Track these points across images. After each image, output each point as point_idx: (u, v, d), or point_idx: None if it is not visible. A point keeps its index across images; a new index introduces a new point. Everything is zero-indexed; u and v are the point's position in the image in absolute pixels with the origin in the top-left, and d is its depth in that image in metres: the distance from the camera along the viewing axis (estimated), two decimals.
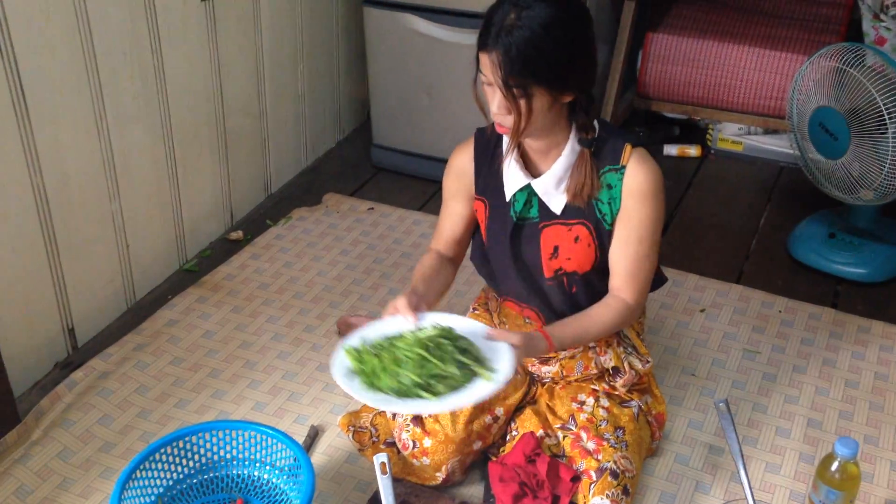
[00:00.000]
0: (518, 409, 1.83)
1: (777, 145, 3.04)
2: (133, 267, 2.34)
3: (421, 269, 1.77)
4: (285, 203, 2.84)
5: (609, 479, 1.64)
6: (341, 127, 3.24)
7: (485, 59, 1.51)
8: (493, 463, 1.70)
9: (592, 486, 1.63)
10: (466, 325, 1.58)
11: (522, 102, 1.52)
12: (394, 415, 1.81)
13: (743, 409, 2.01)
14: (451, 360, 1.47)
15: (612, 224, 1.67)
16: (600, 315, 1.67)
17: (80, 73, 2.04)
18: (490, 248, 1.78)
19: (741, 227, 2.73)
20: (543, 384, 1.85)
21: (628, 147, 1.64)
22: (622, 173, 1.64)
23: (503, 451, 1.78)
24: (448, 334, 1.52)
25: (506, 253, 1.74)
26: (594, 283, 1.72)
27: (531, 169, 1.69)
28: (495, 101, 1.54)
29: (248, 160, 2.75)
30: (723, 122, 3.05)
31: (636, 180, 1.63)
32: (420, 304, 1.61)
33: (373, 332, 1.57)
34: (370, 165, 3.07)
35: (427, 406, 1.44)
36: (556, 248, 1.70)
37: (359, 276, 2.47)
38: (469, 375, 1.47)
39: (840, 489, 1.58)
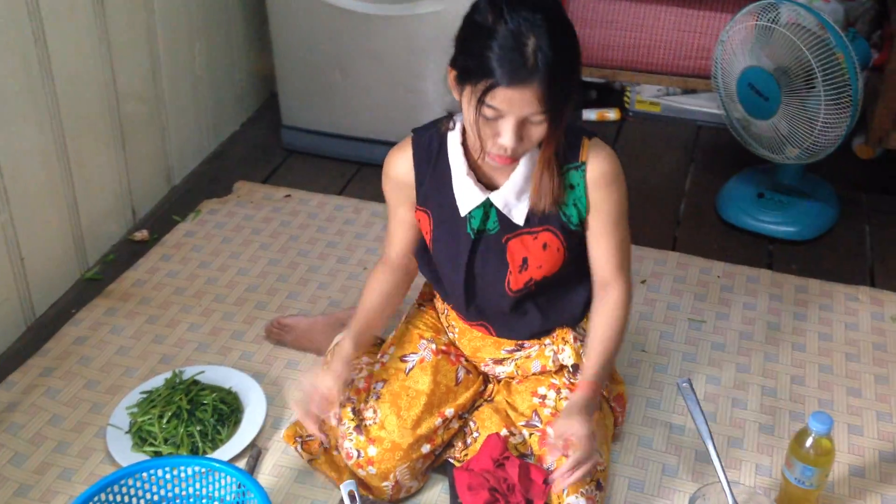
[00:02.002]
0: (475, 409, 1.73)
1: (694, 105, 3.02)
2: (30, 281, 2.10)
3: (369, 298, 1.66)
4: (192, 195, 2.63)
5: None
6: (245, 107, 3.03)
7: (512, 95, 1.32)
8: (459, 470, 1.59)
9: None
10: None
11: (549, 126, 1.38)
12: (338, 421, 1.68)
13: (697, 382, 1.96)
14: None
15: (579, 224, 1.56)
16: (611, 326, 1.58)
17: None
18: (437, 261, 1.65)
19: (668, 191, 2.69)
20: (499, 381, 1.75)
21: (585, 141, 1.53)
22: (583, 170, 1.53)
23: (466, 455, 1.67)
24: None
25: (458, 270, 1.61)
26: (553, 282, 1.63)
27: (484, 180, 1.56)
28: (511, 132, 1.36)
29: (148, 150, 2.53)
30: (641, 84, 3.00)
31: (599, 171, 1.52)
32: (351, 370, 1.63)
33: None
34: (280, 148, 2.88)
35: None
36: (525, 260, 1.58)
37: (284, 271, 2.30)
38: None
39: (815, 465, 1.55)
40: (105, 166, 2.34)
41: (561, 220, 1.55)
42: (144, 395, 1.84)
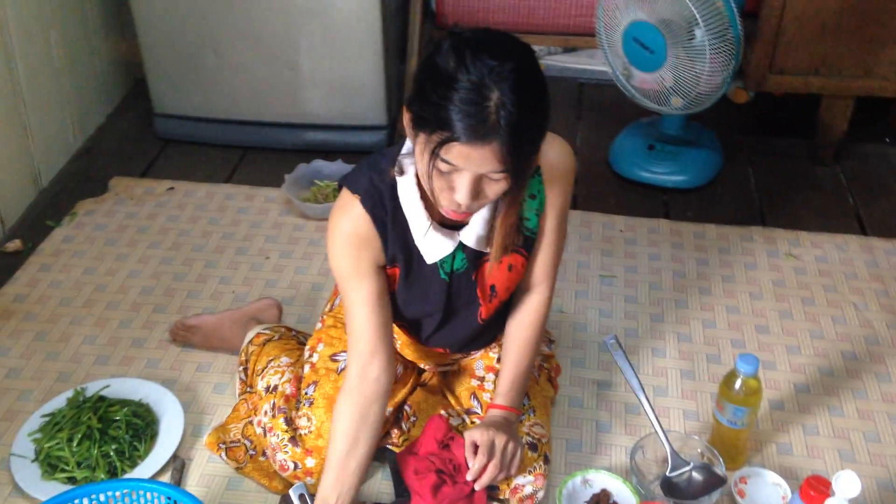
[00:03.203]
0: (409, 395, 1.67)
1: (575, 63, 3.04)
2: None
3: (339, 446, 1.42)
4: (64, 197, 2.44)
5: (529, 453, 1.54)
6: (108, 98, 2.83)
7: (470, 153, 1.18)
8: (403, 455, 1.54)
9: None
10: None
11: (511, 184, 1.25)
12: (264, 432, 1.59)
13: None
14: None
15: (537, 227, 1.48)
16: (526, 342, 1.54)
17: None
18: (407, 309, 1.52)
19: None
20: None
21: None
22: (540, 175, 1.44)
23: (405, 440, 1.62)
24: None
25: (434, 313, 1.51)
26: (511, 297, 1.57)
27: (447, 222, 1.41)
28: (466, 189, 1.23)
29: (10, 152, 2.32)
30: None
31: (553, 170, 1.43)
32: None
33: None
34: (155, 138, 2.71)
35: None
36: (492, 288, 1.50)
37: (179, 269, 2.17)
38: None
39: (745, 405, 1.59)
40: None
41: (524, 235, 1.47)
42: (46, 419, 1.69)
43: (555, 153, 1.43)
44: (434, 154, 1.21)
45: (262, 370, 1.70)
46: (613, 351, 1.68)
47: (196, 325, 1.92)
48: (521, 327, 1.56)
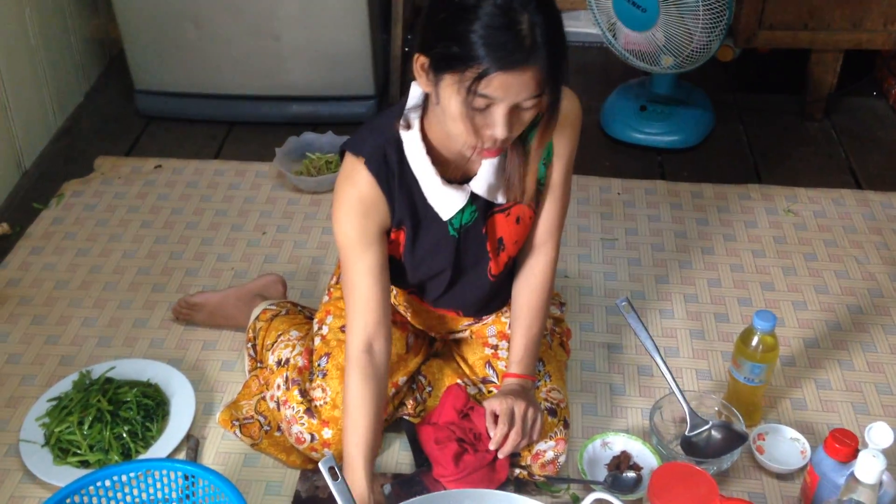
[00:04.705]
0: (422, 365, 1.66)
1: None
2: None
3: (360, 421, 1.39)
4: (49, 179, 2.37)
5: (549, 418, 1.53)
6: (85, 75, 2.76)
7: (509, 81, 1.15)
8: (423, 425, 1.52)
9: None
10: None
11: (546, 110, 1.24)
12: (278, 406, 1.57)
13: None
14: None
15: (546, 179, 1.47)
16: (535, 306, 1.52)
17: None
18: (414, 271, 1.49)
19: None
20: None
21: None
22: None
23: (422, 411, 1.61)
24: None
25: (443, 273, 1.48)
26: (519, 255, 1.55)
27: (455, 176, 1.40)
28: (504, 122, 1.20)
29: None
30: None
31: (563, 118, 1.37)
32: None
33: None
34: (137, 116, 2.64)
35: None
36: (500, 241, 1.47)
37: (175, 247, 2.12)
38: None
39: (762, 362, 1.59)
40: None
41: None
42: (53, 403, 1.65)
43: (565, 100, 1.40)
44: (470, 91, 1.17)
45: (272, 345, 1.67)
46: (626, 313, 1.67)
47: (200, 302, 1.88)
48: (528, 291, 1.54)
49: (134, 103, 2.63)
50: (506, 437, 1.44)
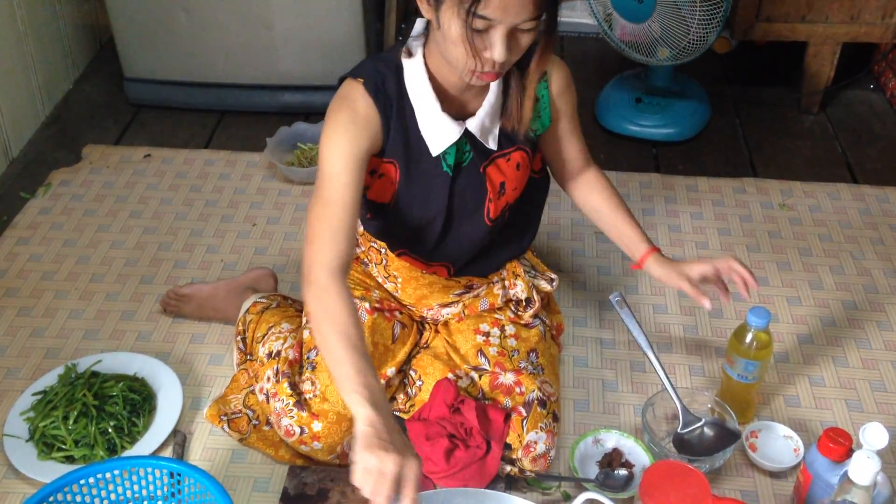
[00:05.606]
0: (411, 359, 1.63)
1: None
2: None
3: (347, 340, 1.22)
4: (36, 167, 2.34)
5: (539, 409, 1.52)
6: (74, 63, 2.72)
7: (507, 1, 1.19)
8: (412, 421, 1.51)
9: (525, 421, 1.50)
10: None
11: (544, 34, 1.31)
12: (267, 398, 1.55)
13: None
14: None
15: (541, 133, 1.53)
16: (614, 195, 1.66)
17: None
18: (407, 211, 1.49)
19: None
20: (439, 323, 1.67)
21: None
22: (546, 80, 1.49)
23: (412, 406, 1.59)
24: None
25: (437, 213, 1.48)
26: (514, 209, 1.58)
27: (453, 110, 1.43)
28: (502, 44, 1.24)
29: None
30: None
31: (561, 80, 1.52)
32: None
33: None
34: (126, 104, 2.61)
35: None
36: (502, 185, 1.50)
37: (163, 238, 2.10)
38: None
39: (756, 359, 1.57)
40: None
41: (528, 135, 1.50)
42: (38, 397, 1.63)
43: (558, 68, 1.51)
44: (469, 12, 1.20)
45: (263, 337, 1.65)
46: (619, 308, 1.66)
47: (190, 293, 1.85)
48: (604, 196, 1.66)
49: (123, 91, 2.60)
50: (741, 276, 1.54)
